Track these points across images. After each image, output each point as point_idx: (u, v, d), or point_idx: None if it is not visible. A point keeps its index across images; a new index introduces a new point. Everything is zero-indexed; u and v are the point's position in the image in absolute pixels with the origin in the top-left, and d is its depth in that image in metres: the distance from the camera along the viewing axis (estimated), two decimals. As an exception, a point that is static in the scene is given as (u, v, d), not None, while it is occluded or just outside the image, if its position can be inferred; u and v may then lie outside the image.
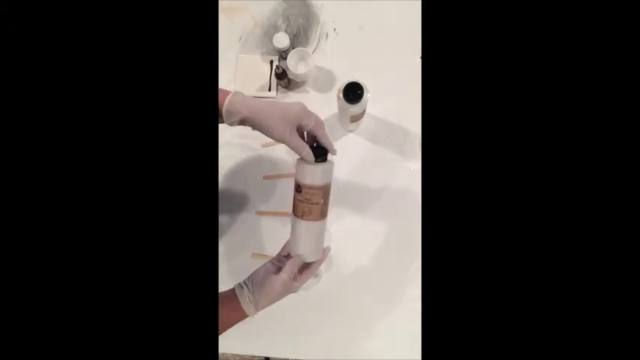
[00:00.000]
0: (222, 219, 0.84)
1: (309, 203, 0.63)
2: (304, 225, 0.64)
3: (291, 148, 0.60)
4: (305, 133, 0.63)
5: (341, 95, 0.71)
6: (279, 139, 0.59)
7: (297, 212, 0.64)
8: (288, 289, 0.63)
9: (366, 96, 0.71)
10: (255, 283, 0.62)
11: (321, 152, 0.62)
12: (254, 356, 1.20)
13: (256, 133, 0.60)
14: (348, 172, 0.84)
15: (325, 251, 0.68)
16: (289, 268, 0.62)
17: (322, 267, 0.80)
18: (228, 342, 0.79)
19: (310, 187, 0.62)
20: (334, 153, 0.64)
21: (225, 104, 0.57)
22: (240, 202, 0.85)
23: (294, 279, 0.63)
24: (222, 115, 0.58)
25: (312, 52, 0.87)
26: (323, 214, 0.65)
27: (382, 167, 0.83)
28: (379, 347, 0.78)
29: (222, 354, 1.22)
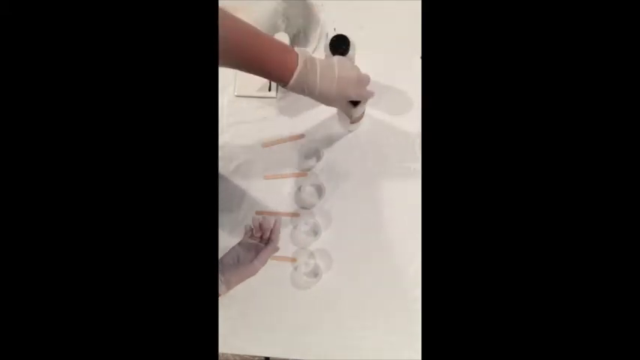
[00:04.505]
0: (223, 219, 0.84)
1: None
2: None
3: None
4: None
5: (328, 50, 0.74)
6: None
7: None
8: (255, 272, 0.66)
9: (352, 52, 0.73)
10: (224, 264, 0.65)
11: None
12: (254, 356, 1.20)
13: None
14: (348, 172, 0.84)
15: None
16: (264, 256, 0.65)
17: (322, 267, 0.81)
18: (228, 342, 0.79)
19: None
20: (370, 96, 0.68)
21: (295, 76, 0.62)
22: (240, 202, 0.85)
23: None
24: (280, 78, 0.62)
25: (312, 52, 0.87)
26: None
27: (382, 167, 0.83)
28: (379, 347, 0.78)
29: (222, 354, 1.22)
